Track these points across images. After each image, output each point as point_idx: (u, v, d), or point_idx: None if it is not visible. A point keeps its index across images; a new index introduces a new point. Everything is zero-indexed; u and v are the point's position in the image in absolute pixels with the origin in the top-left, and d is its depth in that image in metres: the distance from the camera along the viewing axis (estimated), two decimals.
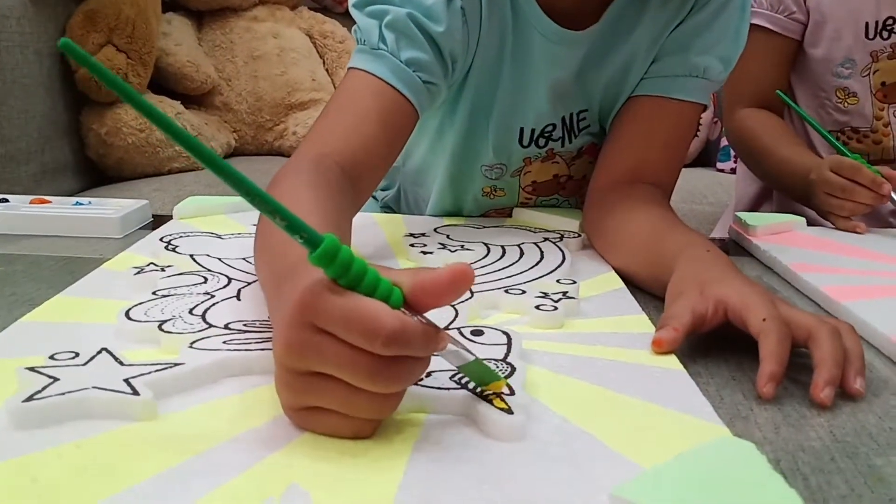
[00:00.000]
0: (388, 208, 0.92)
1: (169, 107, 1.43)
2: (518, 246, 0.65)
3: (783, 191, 0.90)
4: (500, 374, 0.37)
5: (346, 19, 1.77)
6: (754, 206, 1.03)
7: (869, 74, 0.92)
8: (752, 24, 0.91)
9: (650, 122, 0.71)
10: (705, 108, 0.75)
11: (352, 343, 0.31)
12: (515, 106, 0.72)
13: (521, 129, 0.74)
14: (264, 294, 0.44)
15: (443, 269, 0.34)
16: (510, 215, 0.80)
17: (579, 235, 0.69)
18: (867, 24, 0.91)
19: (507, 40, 0.68)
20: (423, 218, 0.80)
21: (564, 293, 0.52)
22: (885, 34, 0.91)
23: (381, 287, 0.32)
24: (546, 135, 0.75)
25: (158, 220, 0.78)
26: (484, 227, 0.73)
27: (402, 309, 0.33)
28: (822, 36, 0.92)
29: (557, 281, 0.55)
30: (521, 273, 0.58)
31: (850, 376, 0.42)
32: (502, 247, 0.64)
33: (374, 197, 0.94)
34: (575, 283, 0.55)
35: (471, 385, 0.37)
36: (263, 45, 1.63)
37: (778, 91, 0.81)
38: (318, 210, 0.47)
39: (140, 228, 0.75)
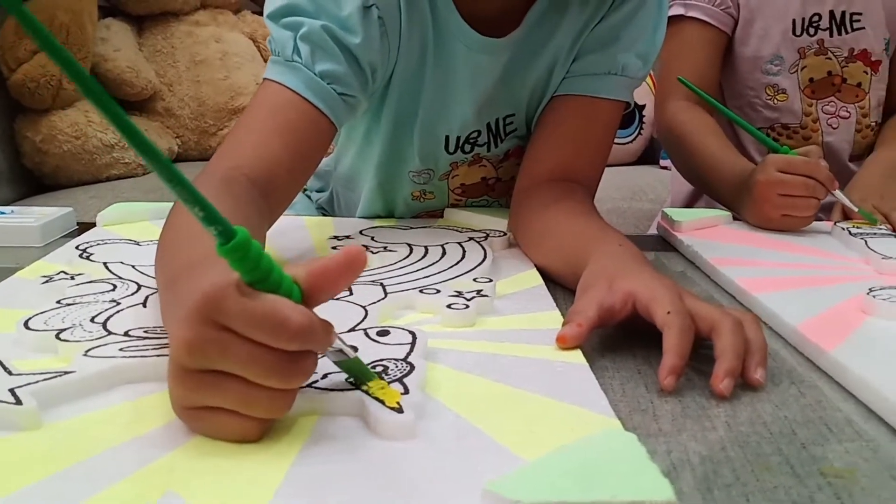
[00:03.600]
0: (322, 210, 0.92)
1: None
2: (441, 246, 0.65)
3: (709, 191, 0.90)
4: (374, 373, 0.38)
5: None
6: (689, 203, 1.04)
7: (797, 71, 0.94)
8: (688, 17, 0.94)
9: (572, 121, 0.72)
10: (628, 105, 0.75)
11: (256, 340, 0.32)
12: (439, 114, 0.72)
13: (447, 137, 0.74)
14: (160, 287, 0.44)
15: (335, 253, 0.34)
16: (442, 216, 0.80)
17: (505, 234, 0.70)
18: (794, 21, 0.92)
19: (429, 49, 0.68)
20: (352, 220, 0.80)
21: (479, 291, 0.52)
22: (811, 31, 0.92)
23: (284, 284, 0.33)
24: (471, 141, 0.75)
25: (84, 228, 0.77)
26: (411, 227, 0.73)
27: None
28: (750, 33, 0.94)
29: (474, 280, 0.55)
30: (440, 273, 0.58)
31: (750, 367, 0.43)
32: (425, 247, 0.64)
33: (310, 198, 0.93)
34: (491, 281, 0.55)
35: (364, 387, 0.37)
36: (205, 49, 1.61)
37: (680, 77, 0.81)
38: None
39: (64, 236, 0.74)
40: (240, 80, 1.61)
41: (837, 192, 0.75)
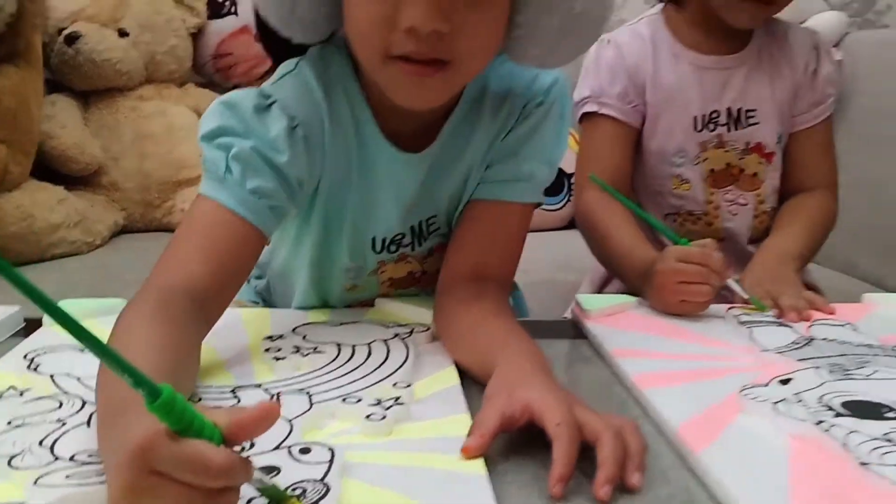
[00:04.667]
0: (261, 295, 0.97)
1: (52, 193, 1.44)
2: (368, 345, 0.71)
3: (619, 277, 0.98)
4: (293, 495, 0.43)
5: None
6: (606, 279, 1.11)
7: (699, 163, 1.03)
8: (601, 115, 1.02)
9: (487, 223, 0.79)
10: (538, 204, 0.82)
11: (184, 481, 0.38)
12: (366, 219, 0.78)
13: (374, 239, 0.80)
14: (98, 419, 0.49)
15: (253, 407, 0.41)
16: (373, 305, 0.86)
17: (429, 328, 0.76)
18: (695, 117, 1.01)
19: (353, 162, 0.75)
20: (288, 312, 0.85)
21: (396, 399, 0.58)
22: (711, 126, 1.01)
23: (206, 429, 0.39)
24: (397, 242, 0.81)
25: (31, 326, 0.80)
26: (342, 323, 0.78)
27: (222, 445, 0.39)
28: (657, 129, 1.03)
29: (394, 385, 0.61)
30: (364, 377, 0.63)
31: (628, 472, 0.50)
32: (353, 346, 0.70)
33: (248, 281, 0.98)
34: (409, 386, 0.61)
35: None
36: (150, 123, 1.66)
37: (591, 175, 0.89)
38: (158, 350, 0.52)
39: (11, 336, 0.78)
40: (184, 153, 1.66)
41: (730, 280, 0.83)
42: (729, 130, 1.01)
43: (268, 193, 0.68)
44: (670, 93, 1.01)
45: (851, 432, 0.53)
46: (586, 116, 1.04)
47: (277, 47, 0.73)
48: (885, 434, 0.53)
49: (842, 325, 0.78)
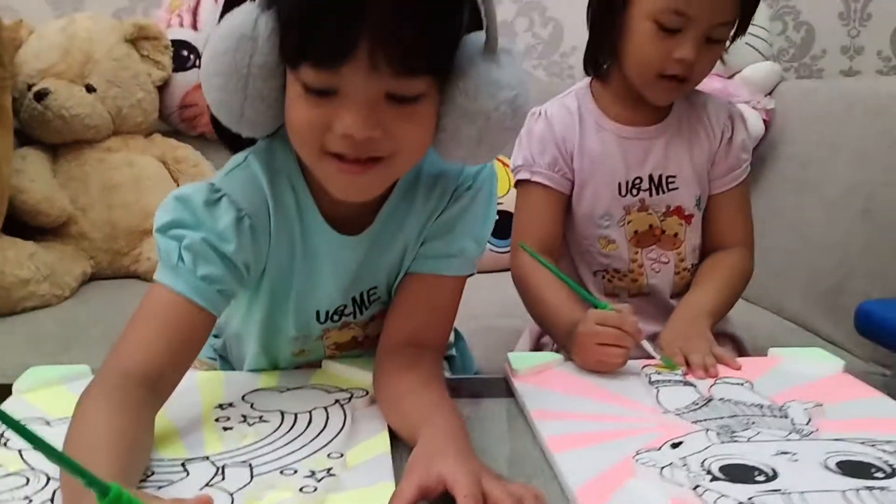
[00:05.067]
0: (219, 353, 1.04)
1: (22, 249, 1.51)
2: (309, 412, 0.78)
3: (548, 334, 1.06)
4: None
5: (199, 142, 1.89)
6: (542, 331, 1.19)
7: (624, 225, 1.11)
8: (532, 182, 1.10)
9: (422, 295, 0.87)
10: (471, 274, 0.90)
11: None
12: (309, 295, 0.86)
13: (318, 311, 0.88)
14: (62, 498, 0.57)
15: (191, 500, 0.48)
16: (321, 365, 0.93)
17: (367, 393, 0.83)
18: (620, 184, 1.10)
19: (297, 246, 0.83)
20: (240, 376, 0.92)
21: (329, 470, 0.66)
22: (634, 191, 1.10)
23: None
24: (339, 312, 0.89)
25: (1, 391, 0.86)
26: (288, 388, 0.85)
27: None
28: (584, 195, 1.11)
29: (328, 455, 0.69)
30: (302, 448, 0.71)
31: None
32: (295, 415, 0.78)
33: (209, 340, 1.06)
34: (342, 456, 0.68)
35: None
36: (118, 174, 1.73)
37: (521, 243, 0.98)
38: (114, 437, 0.61)
39: None
40: (151, 203, 1.72)
41: (643, 342, 0.91)
42: (651, 195, 1.10)
43: (217, 279, 0.76)
44: (596, 161, 1.10)
45: (721, 496, 0.62)
46: (520, 183, 1.13)
47: (230, 138, 0.80)
48: (750, 498, 0.61)
49: (740, 384, 0.87)
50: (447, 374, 1.09)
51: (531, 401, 0.84)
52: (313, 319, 0.89)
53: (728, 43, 1.06)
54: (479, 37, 0.74)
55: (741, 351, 1.17)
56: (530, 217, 1.12)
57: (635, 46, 1.02)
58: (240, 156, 0.82)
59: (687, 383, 0.88)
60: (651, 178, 1.10)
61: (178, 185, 1.80)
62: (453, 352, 1.14)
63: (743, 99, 1.77)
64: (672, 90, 1.04)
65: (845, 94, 1.54)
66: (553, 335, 1.02)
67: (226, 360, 1.04)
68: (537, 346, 1.21)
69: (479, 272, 1.72)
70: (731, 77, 1.85)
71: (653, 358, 0.93)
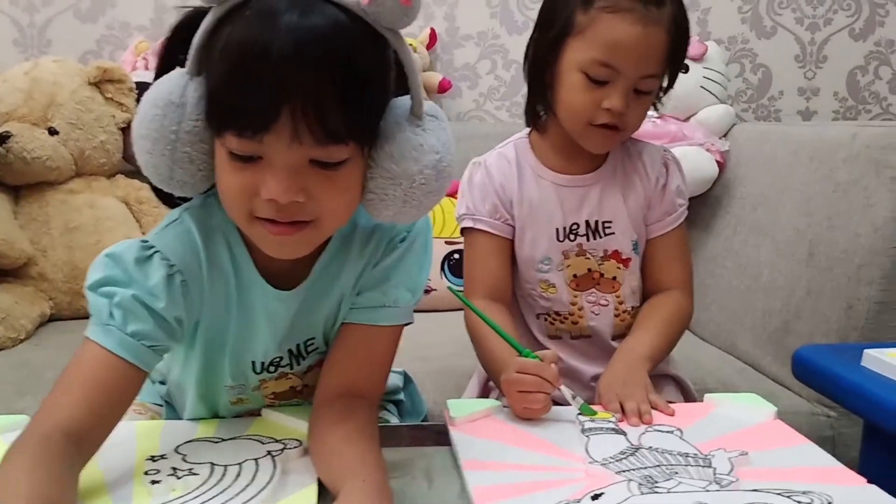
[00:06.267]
0: (166, 400, 1.05)
1: None
2: (239, 465, 0.79)
3: (493, 381, 1.08)
4: None
5: None
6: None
7: (563, 269, 1.13)
8: (477, 230, 1.13)
9: (357, 345, 0.88)
10: (408, 323, 0.91)
11: None
12: (245, 346, 0.88)
13: (253, 362, 0.89)
14: None
15: None
16: (260, 413, 0.94)
17: (300, 444, 0.84)
18: (557, 229, 1.12)
19: (232, 299, 0.84)
20: (178, 425, 0.92)
21: None
22: (572, 237, 1.12)
23: None
24: (275, 363, 0.90)
25: None
26: (223, 439, 0.86)
27: None
28: (524, 240, 1.13)
29: None
30: (228, 501, 0.71)
31: None
32: (225, 467, 0.78)
33: (154, 383, 1.07)
34: None
35: None
36: (79, 216, 1.73)
37: (449, 286, 1.00)
38: (31, 495, 0.62)
39: None
40: (111, 243, 1.69)
41: (562, 388, 0.93)
42: (588, 240, 1.13)
43: (147, 335, 0.77)
44: (534, 208, 1.12)
45: None
46: (465, 231, 1.15)
47: (165, 195, 0.81)
48: None
49: (670, 432, 0.88)
50: (394, 420, 1.10)
51: (464, 450, 0.85)
52: (249, 370, 0.90)
53: (662, 93, 1.09)
54: (406, 101, 0.76)
55: (685, 392, 1.19)
56: (478, 264, 1.14)
57: (566, 96, 1.05)
58: (175, 212, 0.84)
59: (618, 431, 0.89)
60: (588, 223, 1.12)
61: (140, 226, 1.82)
62: (401, 396, 1.15)
63: (698, 141, 1.81)
64: (606, 139, 1.07)
65: (793, 139, 1.58)
66: (495, 382, 1.04)
67: (171, 407, 1.05)
68: (485, 389, 1.23)
69: (435, 311, 1.74)
70: (686, 120, 1.88)
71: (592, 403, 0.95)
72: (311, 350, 0.92)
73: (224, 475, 0.77)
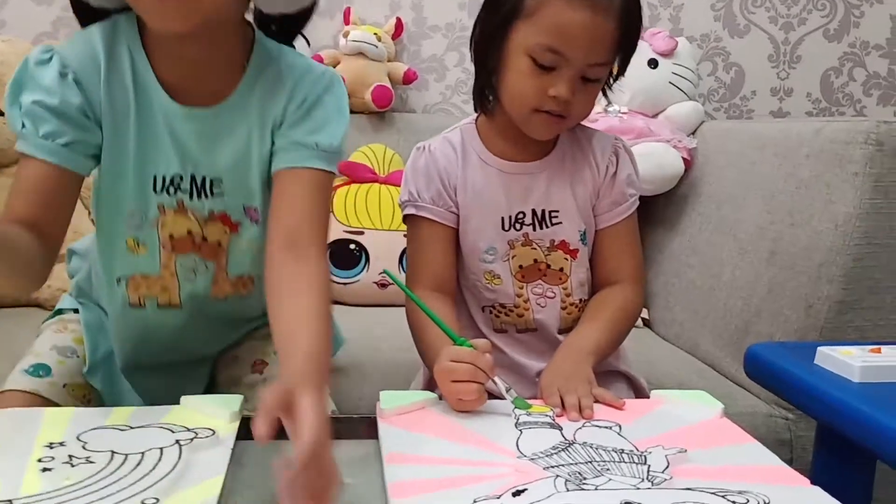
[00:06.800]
0: (82, 292, 1.09)
1: None
2: (141, 454, 0.73)
3: (430, 372, 1.03)
4: None
5: None
6: None
7: (508, 259, 1.09)
8: (420, 217, 1.08)
9: (286, 190, 0.90)
10: (332, 173, 0.93)
11: None
12: (146, 157, 0.91)
13: (154, 177, 0.92)
14: None
15: None
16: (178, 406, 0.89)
17: (213, 433, 0.79)
18: (503, 218, 1.08)
19: (131, 109, 0.89)
20: (88, 412, 0.87)
21: None
22: (517, 226, 1.08)
23: None
24: (175, 184, 0.92)
25: None
26: (130, 427, 0.81)
27: None
28: (468, 229, 1.09)
29: (142, 502, 0.64)
30: (119, 492, 0.66)
31: None
32: (125, 456, 0.73)
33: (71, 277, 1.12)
34: (157, 502, 0.64)
35: None
36: None
37: (385, 270, 0.96)
38: None
39: None
40: None
41: (497, 379, 0.88)
42: (534, 230, 1.08)
43: (57, 133, 0.84)
44: (479, 195, 1.08)
45: None
46: (408, 219, 1.10)
47: (82, 12, 0.89)
48: None
49: (608, 428, 0.83)
50: None
51: (389, 443, 0.80)
52: (150, 188, 0.92)
53: (612, 81, 1.05)
54: None
55: (636, 390, 1.15)
56: (420, 253, 1.09)
57: (512, 81, 1.00)
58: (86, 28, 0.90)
59: (554, 426, 0.84)
60: (534, 212, 1.08)
61: (87, 209, 1.75)
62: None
63: (665, 138, 1.77)
64: (550, 126, 1.02)
65: (758, 137, 1.54)
66: (432, 373, 0.98)
67: (85, 306, 1.07)
68: (431, 383, 1.17)
69: (392, 306, 1.70)
70: (654, 116, 1.85)
71: (532, 396, 0.90)
72: (216, 192, 0.93)
73: (123, 464, 0.71)
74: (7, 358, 1.04)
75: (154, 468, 0.71)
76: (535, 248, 1.09)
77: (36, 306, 1.66)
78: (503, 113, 1.06)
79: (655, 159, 1.72)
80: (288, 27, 0.95)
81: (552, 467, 0.73)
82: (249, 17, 0.94)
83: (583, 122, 1.11)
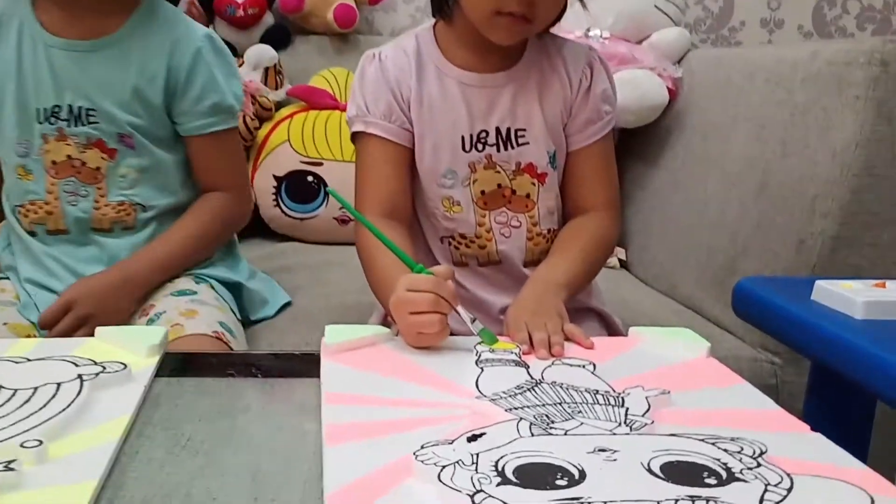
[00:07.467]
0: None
1: None
2: (35, 388, 0.63)
3: (383, 307, 0.92)
4: None
5: None
6: None
7: (469, 184, 0.98)
8: (367, 133, 0.96)
9: (206, 152, 1.10)
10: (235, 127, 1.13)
11: None
12: (27, 88, 1.01)
13: (37, 110, 1.01)
14: None
15: None
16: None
17: (125, 367, 0.68)
18: (463, 137, 0.96)
19: (12, 46, 1.01)
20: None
21: (9, 463, 0.50)
22: (479, 146, 0.96)
23: None
24: (56, 114, 1.01)
25: None
26: (28, 360, 0.70)
27: None
28: (424, 149, 0.97)
29: (21, 445, 0.53)
30: (9, 427, 0.56)
31: None
32: (15, 391, 0.62)
33: None
34: (40, 444, 0.53)
35: None
36: None
37: (330, 189, 0.84)
38: None
39: None
40: None
41: (460, 309, 0.78)
42: (498, 150, 0.97)
43: None
44: (436, 111, 0.96)
45: None
46: (356, 136, 0.99)
47: None
48: None
49: (581, 366, 0.74)
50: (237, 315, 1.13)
51: (330, 382, 0.70)
52: (34, 119, 1.01)
53: None
54: None
55: (610, 328, 1.05)
56: (370, 175, 0.97)
57: None
58: None
59: (519, 364, 0.74)
60: (498, 131, 0.96)
61: None
62: (236, 277, 1.17)
63: (648, 65, 1.64)
64: (513, 29, 0.90)
65: (748, 63, 1.42)
66: (384, 306, 0.88)
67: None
68: (386, 322, 1.07)
69: (340, 244, 1.60)
70: (638, 42, 1.72)
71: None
72: (90, 121, 1.01)
73: (8, 400, 0.61)
74: None
75: (44, 406, 0.60)
76: (498, 172, 0.97)
77: None
78: (463, 17, 0.93)
79: (637, 88, 1.60)
80: None
81: (515, 409, 0.63)
82: None
83: (555, 32, 0.99)
